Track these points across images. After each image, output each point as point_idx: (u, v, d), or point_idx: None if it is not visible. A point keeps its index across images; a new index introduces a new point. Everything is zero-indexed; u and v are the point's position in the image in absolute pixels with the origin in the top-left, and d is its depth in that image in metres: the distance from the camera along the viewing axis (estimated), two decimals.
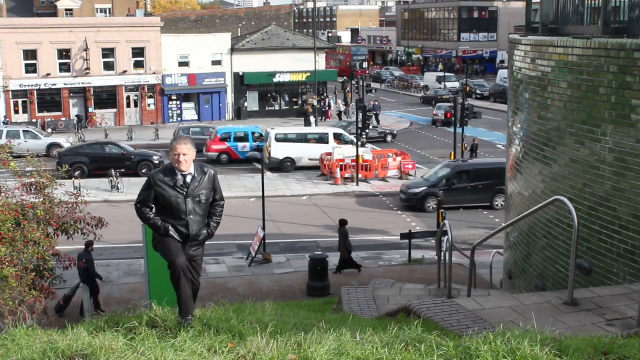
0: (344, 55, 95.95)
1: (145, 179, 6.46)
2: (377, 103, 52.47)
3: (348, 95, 63.27)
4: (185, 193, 6.18)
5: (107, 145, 38.12)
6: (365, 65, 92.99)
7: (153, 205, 6.29)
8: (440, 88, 71.39)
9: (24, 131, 42.14)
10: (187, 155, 6.16)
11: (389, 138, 46.51)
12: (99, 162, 35.75)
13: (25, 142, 40.53)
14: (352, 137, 37.71)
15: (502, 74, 64.80)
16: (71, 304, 17.41)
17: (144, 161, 36.35)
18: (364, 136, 37.02)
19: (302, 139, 38.37)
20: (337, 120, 53.39)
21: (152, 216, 6.28)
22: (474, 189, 29.68)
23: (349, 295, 12.40)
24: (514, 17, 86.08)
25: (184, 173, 6.19)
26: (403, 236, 22.47)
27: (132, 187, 33.30)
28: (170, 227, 6.17)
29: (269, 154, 36.24)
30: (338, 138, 38.26)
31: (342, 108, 57.95)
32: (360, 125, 35.45)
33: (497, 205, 29.15)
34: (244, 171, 36.90)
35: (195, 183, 6.22)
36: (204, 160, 39.60)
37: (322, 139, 38.29)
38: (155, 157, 36.60)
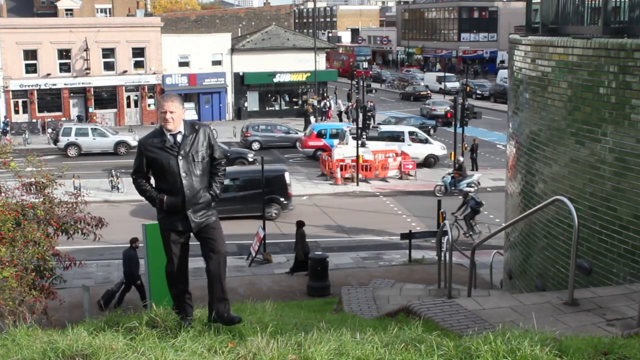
0: (346, 56, 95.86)
1: None
2: (372, 103, 52.67)
3: (350, 95, 63.26)
4: (176, 153, 5.81)
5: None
6: (366, 65, 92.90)
7: (149, 176, 5.99)
8: (441, 88, 71.49)
9: (92, 129, 43.01)
10: (174, 113, 5.81)
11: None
12: None
13: (94, 139, 41.88)
14: (426, 135, 39.51)
15: (502, 74, 64.84)
16: (114, 298, 18.22)
17: (239, 158, 36.86)
18: (364, 136, 37.05)
19: (378, 137, 38.20)
20: (337, 121, 53.36)
21: (147, 187, 5.96)
22: (243, 198, 27.27)
23: (349, 295, 12.40)
24: (514, 17, 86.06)
25: (172, 132, 5.85)
26: (403, 236, 22.47)
27: (132, 187, 33.25)
28: (165, 198, 5.81)
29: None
30: (412, 135, 38.51)
31: (342, 108, 57.94)
32: (360, 125, 35.46)
33: (271, 215, 27.02)
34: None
35: (187, 141, 5.85)
36: (299, 156, 40.50)
37: (397, 137, 38.35)
38: (249, 155, 37.29)
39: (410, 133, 38.64)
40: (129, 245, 18.44)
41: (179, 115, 5.85)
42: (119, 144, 42.02)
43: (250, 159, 36.34)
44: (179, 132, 5.87)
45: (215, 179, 6.02)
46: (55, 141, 41.75)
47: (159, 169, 5.86)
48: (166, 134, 5.86)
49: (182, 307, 5.91)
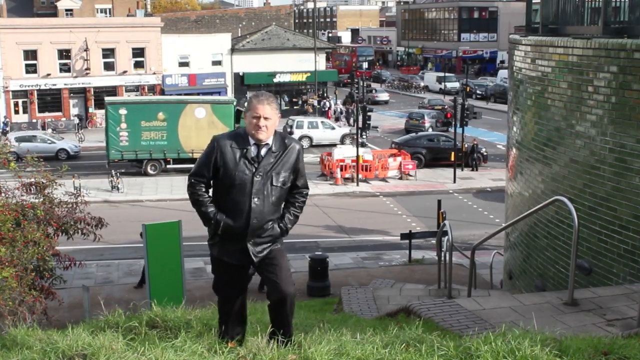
0: (349, 56, 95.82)
1: None
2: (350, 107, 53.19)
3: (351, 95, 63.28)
4: (254, 169, 4.71)
5: (441, 137, 40.24)
6: (366, 65, 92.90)
7: (210, 181, 4.83)
8: (441, 88, 71.63)
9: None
10: (269, 120, 4.72)
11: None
12: (434, 153, 38.42)
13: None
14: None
15: (502, 73, 64.94)
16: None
17: (473, 152, 38.03)
18: (365, 137, 37.20)
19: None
20: (334, 121, 53.36)
21: (205, 199, 4.80)
22: None
23: (349, 295, 12.39)
24: (514, 17, 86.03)
25: (260, 143, 4.75)
26: (403, 236, 22.48)
27: (132, 187, 33.32)
28: (224, 220, 4.73)
29: None
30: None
31: (340, 109, 57.98)
32: (360, 125, 35.49)
33: None
34: None
35: (271, 158, 4.75)
36: None
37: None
38: (483, 149, 38.82)
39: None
40: None
41: (274, 123, 4.78)
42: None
43: (484, 152, 38.33)
44: (267, 144, 4.79)
45: (291, 210, 4.98)
46: None
47: (227, 181, 4.73)
48: (250, 143, 4.76)
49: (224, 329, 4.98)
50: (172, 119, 36.50)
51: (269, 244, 4.85)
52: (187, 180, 4.90)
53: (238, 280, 4.96)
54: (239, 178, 4.69)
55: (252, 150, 4.73)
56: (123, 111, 35.71)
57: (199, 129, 36.15)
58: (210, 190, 4.92)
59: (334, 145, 41.13)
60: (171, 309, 5.79)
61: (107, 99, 39.59)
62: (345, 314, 10.76)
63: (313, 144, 44.12)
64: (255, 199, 4.70)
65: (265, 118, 4.70)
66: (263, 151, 4.76)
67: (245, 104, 4.98)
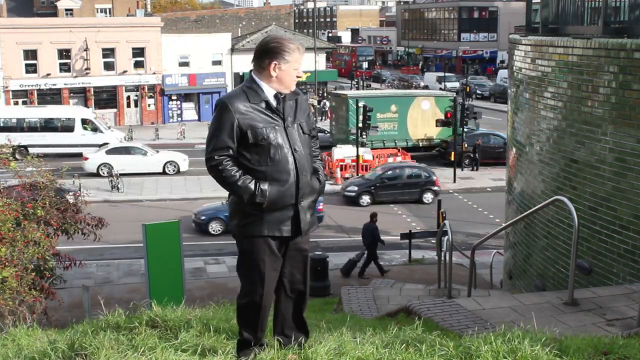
0: (349, 56, 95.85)
1: None
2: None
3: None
4: (281, 119, 4.19)
5: (492, 135, 40.18)
6: (366, 65, 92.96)
7: (235, 152, 4.13)
8: (441, 88, 71.58)
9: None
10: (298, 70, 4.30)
11: None
12: (486, 153, 38.40)
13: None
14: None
15: (502, 73, 64.99)
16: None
17: (475, 152, 38.07)
18: (364, 137, 37.20)
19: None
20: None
21: (238, 172, 4.09)
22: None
23: (349, 295, 12.39)
24: (514, 17, 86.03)
25: (282, 93, 4.23)
26: (403, 236, 22.49)
27: (131, 187, 33.31)
28: (267, 188, 4.07)
29: None
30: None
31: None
32: (360, 125, 35.48)
33: None
34: None
35: (290, 106, 4.26)
36: None
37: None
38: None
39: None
40: (369, 220, 21.20)
41: None
42: None
43: None
44: (280, 92, 4.25)
45: (317, 162, 4.41)
46: None
47: (259, 143, 4.10)
48: (266, 93, 4.19)
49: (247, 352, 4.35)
50: (402, 110, 40.92)
51: (313, 209, 4.30)
52: (206, 162, 4.16)
53: (278, 264, 4.29)
54: (273, 134, 4.10)
55: (272, 101, 4.19)
56: (362, 104, 37.52)
57: (424, 119, 40.70)
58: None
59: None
60: (171, 309, 5.78)
61: (349, 93, 44.31)
62: (345, 314, 10.75)
63: None
64: (296, 152, 4.15)
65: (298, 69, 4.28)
66: (280, 100, 4.23)
67: (276, 51, 4.19)
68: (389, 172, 31.75)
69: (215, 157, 4.10)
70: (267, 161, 4.10)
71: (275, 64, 4.19)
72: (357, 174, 33.96)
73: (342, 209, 29.91)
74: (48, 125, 41.19)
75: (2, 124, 40.41)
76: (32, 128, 40.94)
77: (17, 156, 39.51)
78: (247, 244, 4.23)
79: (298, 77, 4.28)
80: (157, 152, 37.54)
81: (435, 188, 31.50)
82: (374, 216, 21.37)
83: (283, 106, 4.21)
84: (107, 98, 52.81)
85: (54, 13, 71.45)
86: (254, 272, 4.24)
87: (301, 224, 4.20)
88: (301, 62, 4.28)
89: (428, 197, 31.18)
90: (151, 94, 53.56)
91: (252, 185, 4.07)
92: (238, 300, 4.38)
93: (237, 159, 4.15)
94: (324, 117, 54.80)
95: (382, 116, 40.20)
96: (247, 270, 4.28)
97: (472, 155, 37.85)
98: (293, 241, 4.27)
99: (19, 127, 40.49)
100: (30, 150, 33.97)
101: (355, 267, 20.52)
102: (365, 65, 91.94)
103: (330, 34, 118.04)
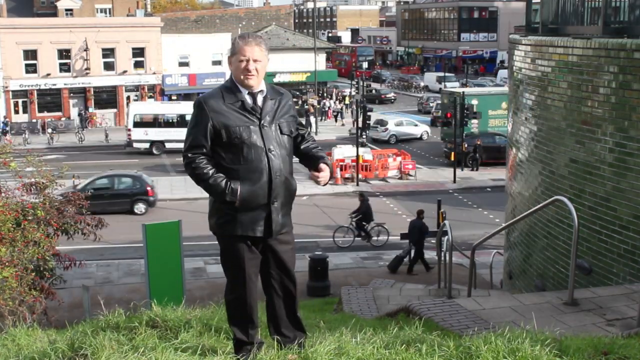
0: (349, 56, 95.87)
1: None
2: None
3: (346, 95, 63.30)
4: (258, 119, 4.15)
5: (497, 136, 39.75)
6: (366, 65, 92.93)
7: (210, 151, 4.18)
8: (441, 88, 71.59)
9: None
10: (258, 63, 4.16)
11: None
12: (490, 152, 38.10)
13: None
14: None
15: (502, 73, 64.99)
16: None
17: (475, 152, 38.01)
18: (364, 137, 37.26)
19: None
20: (332, 120, 53.39)
21: (211, 170, 4.13)
22: None
23: (349, 295, 12.39)
24: (514, 17, 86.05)
25: (253, 90, 4.18)
26: (403, 236, 22.47)
27: None
28: (239, 188, 4.07)
29: None
30: None
31: (339, 107, 57.95)
32: (360, 125, 35.51)
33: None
34: None
35: (270, 105, 4.21)
36: None
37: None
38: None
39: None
40: (415, 217, 21.41)
41: (264, 66, 4.21)
42: None
43: None
44: (261, 90, 4.23)
45: (313, 147, 4.42)
46: None
47: (232, 142, 4.10)
48: (243, 93, 4.17)
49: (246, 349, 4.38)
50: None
51: (287, 209, 4.30)
52: (182, 160, 4.28)
53: (256, 263, 4.32)
54: (246, 134, 4.10)
55: (248, 100, 4.17)
56: (475, 101, 38.04)
57: None
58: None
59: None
60: (171, 309, 5.79)
61: (464, 90, 45.21)
62: (345, 314, 10.76)
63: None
64: (271, 153, 4.13)
65: (255, 60, 4.14)
66: (259, 99, 4.20)
67: (229, 47, 4.26)
68: (97, 182, 29.11)
69: (189, 155, 4.18)
70: (240, 160, 4.13)
71: (228, 59, 4.27)
72: (357, 174, 33.98)
73: (342, 209, 29.88)
74: (184, 121, 41.08)
75: (139, 120, 41.47)
76: (169, 123, 41.86)
77: (155, 151, 41.23)
78: (225, 243, 4.30)
79: (248, 70, 4.14)
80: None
81: (150, 198, 28.75)
82: (421, 213, 21.23)
83: (263, 106, 4.20)
84: (107, 98, 52.83)
85: (54, 13, 71.45)
86: (236, 269, 4.29)
87: (272, 225, 4.21)
88: (248, 53, 4.13)
89: (140, 207, 28.63)
90: (151, 94, 53.57)
91: (223, 184, 4.10)
92: (225, 297, 4.43)
93: (212, 157, 4.19)
94: (324, 117, 54.75)
95: (493, 113, 41.06)
96: (230, 266, 4.34)
97: (472, 155, 37.86)
98: (272, 240, 4.28)
99: (156, 123, 41.89)
100: (167, 145, 39.01)
101: (402, 263, 20.69)
102: (365, 65, 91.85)
103: (330, 34, 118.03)
